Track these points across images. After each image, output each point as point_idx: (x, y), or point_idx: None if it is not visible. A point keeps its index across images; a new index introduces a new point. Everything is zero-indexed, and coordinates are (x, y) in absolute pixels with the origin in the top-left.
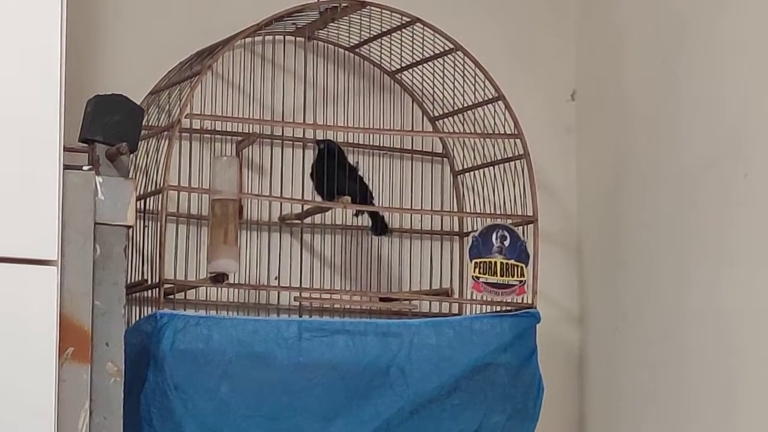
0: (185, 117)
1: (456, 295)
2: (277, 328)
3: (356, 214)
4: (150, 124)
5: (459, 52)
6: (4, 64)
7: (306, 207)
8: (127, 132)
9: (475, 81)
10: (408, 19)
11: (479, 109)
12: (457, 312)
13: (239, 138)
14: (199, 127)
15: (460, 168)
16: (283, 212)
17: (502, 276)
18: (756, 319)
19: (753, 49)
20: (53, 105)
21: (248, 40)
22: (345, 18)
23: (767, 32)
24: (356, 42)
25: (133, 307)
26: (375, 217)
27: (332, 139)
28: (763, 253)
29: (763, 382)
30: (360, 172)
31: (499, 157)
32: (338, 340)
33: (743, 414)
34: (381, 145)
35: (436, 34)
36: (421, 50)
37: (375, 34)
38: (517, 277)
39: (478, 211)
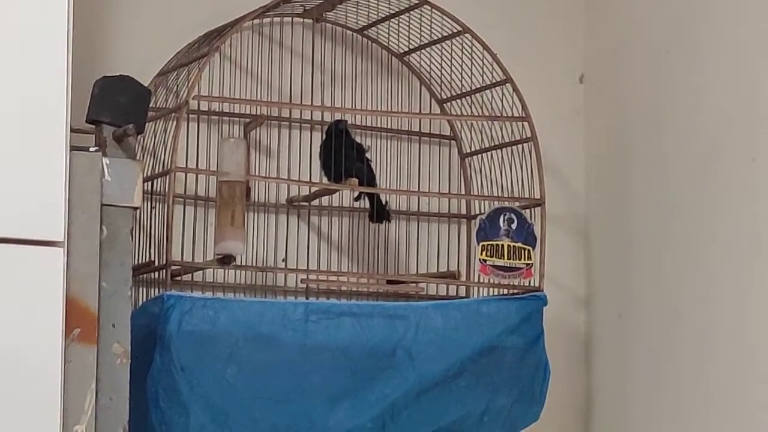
0: (193, 98)
1: (463, 278)
2: (283, 311)
3: (356, 199)
4: (158, 105)
5: (467, 35)
6: (11, 45)
7: (313, 189)
8: (134, 113)
9: (483, 63)
10: (416, 1)
11: (487, 91)
12: (464, 295)
13: (247, 120)
14: (206, 109)
15: (468, 151)
16: (291, 194)
17: (509, 259)
18: (764, 302)
19: (759, 34)
20: (60, 86)
21: (256, 21)
22: (353, 0)
23: None
24: (364, 24)
25: (140, 289)
26: (374, 203)
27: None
28: None
29: None
30: (368, 154)
31: (507, 140)
32: (345, 323)
33: (753, 399)
34: (389, 127)
35: (444, 17)
36: (429, 32)
37: (383, 16)
38: (524, 260)
39: (486, 194)
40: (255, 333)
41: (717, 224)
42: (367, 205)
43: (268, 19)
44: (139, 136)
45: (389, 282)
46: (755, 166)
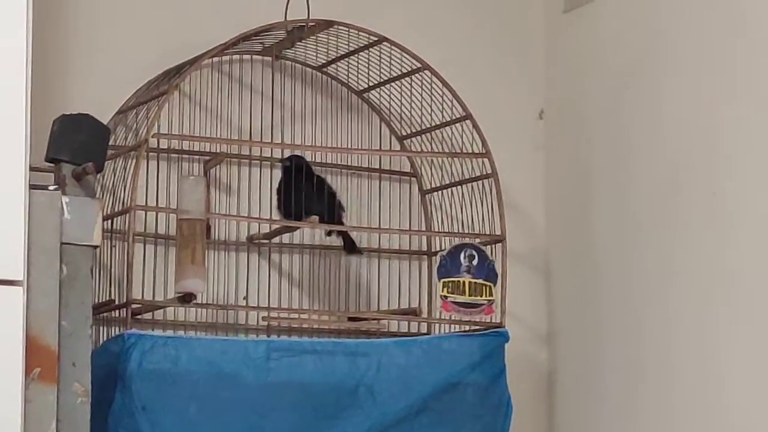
0: (152, 137)
1: (424, 315)
2: (245, 348)
3: (328, 234)
4: (117, 143)
5: (426, 71)
6: None
7: (273, 226)
8: (93, 151)
9: (443, 100)
10: (375, 38)
11: (447, 128)
12: (425, 331)
13: (207, 158)
14: (166, 147)
15: (428, 187)
16: (251, 232)
17: (470, 295)
18: (727, 336)
19: (719, 69)
20: (19, 124)
21: (215, 59)
22: (312, 37)
23: (730, 50)
24: (324, 61)
25: (101, 328)
26: (345, 235)
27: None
28: (734, 268)
29: (741, 405)
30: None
31: (467, 176)
32: (306, 360)
33: None
34: (349, 164)
35: (404, 53)
36: (388, 69)
37: (342, 53)
38: (486, 296)
39: (446, 231)
40: (216, 371)
41: (678, 259)
42: (340, 238)
43: (228, 57)
44: (98, 175)
45: (351, 319)
46: (715, 200)
